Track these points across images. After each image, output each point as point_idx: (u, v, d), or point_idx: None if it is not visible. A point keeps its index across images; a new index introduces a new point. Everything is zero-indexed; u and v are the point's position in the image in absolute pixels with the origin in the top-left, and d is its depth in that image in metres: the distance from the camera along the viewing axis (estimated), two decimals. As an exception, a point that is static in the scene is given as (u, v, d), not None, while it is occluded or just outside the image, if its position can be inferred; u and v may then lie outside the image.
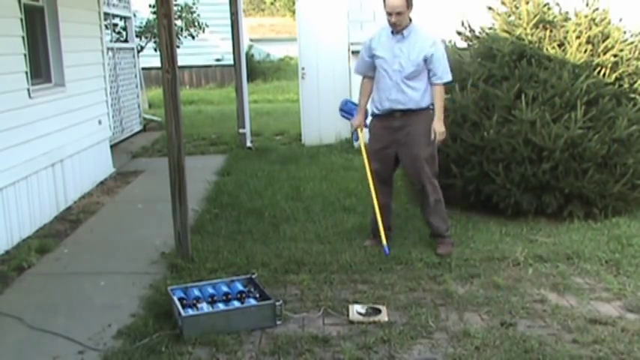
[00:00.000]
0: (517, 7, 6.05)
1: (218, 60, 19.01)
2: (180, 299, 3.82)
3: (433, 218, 4.88)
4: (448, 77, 4.73)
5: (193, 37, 13.84)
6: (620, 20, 5.96)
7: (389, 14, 4.60)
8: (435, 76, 4.68)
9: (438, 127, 4.69)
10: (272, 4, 37.45)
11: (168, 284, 4.20)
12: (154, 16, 11.73)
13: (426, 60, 4.64)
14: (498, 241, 5.06)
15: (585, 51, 5.61)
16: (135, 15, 12.24)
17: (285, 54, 23.73)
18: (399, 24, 4.61)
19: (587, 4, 5.92)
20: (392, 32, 4.71)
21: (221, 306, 3.83)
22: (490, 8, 6.17)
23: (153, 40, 12.74)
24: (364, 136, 4.96)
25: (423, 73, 4.69)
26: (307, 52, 9.52)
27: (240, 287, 4.02)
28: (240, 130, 9.67)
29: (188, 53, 14.99)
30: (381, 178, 4.92)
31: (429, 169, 4.77)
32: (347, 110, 5.13)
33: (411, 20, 4.70)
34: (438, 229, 4.88)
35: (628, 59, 5.71)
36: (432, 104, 4.74)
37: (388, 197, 5.01)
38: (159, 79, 5.35)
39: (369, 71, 4.89)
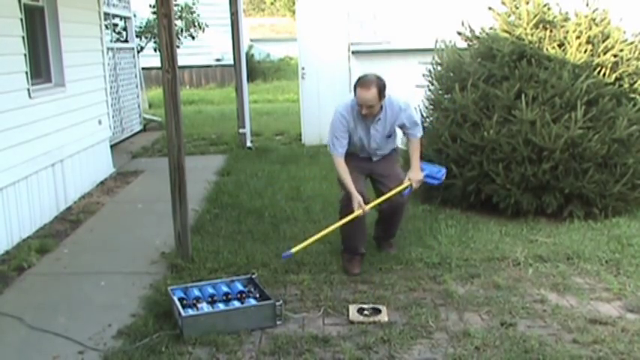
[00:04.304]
0: (517, 7, 6.05)
1: (218, 60, 19.01)
2: (180, 299, 3.82)
3: (393, 228, 4.90)
4: (421, 133, 4.79)
5: (193, 38, 13.84)
6: (620, 20, 5.97)
7: (359, 105, 4.46)
8: (410, 135, 4.73)
9: (415, 175, 4.66)
10: (272, 4, 37.45)
11: (168, 284, 4.21)
12: (154, 16, 11.72)
13: (400, 126, 4.66)
14: (498, 241, 5.06)
15: (585, 51, 5.61)
16: (135, 15, 12.24)
17: (285, 54, 23.73)
18: (369, 114, 4.49)
19: (587, 4, 5.92)
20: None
21: (221, 306, 3.83)
22: (490, 8, 6.17)
23: (153, 40, 12.74)
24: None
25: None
26: (307, 52, 9.53)
27: (240, 287, 4.02)
28: (240, 130, 9.68)
29: (188, 53, 14.99)
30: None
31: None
32: (432, 175, 4.83)
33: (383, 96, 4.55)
34: (393, 234, 4.94)
35: (628, 59, 5.71)
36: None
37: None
38: (159, 79, 5.35)
39: None
